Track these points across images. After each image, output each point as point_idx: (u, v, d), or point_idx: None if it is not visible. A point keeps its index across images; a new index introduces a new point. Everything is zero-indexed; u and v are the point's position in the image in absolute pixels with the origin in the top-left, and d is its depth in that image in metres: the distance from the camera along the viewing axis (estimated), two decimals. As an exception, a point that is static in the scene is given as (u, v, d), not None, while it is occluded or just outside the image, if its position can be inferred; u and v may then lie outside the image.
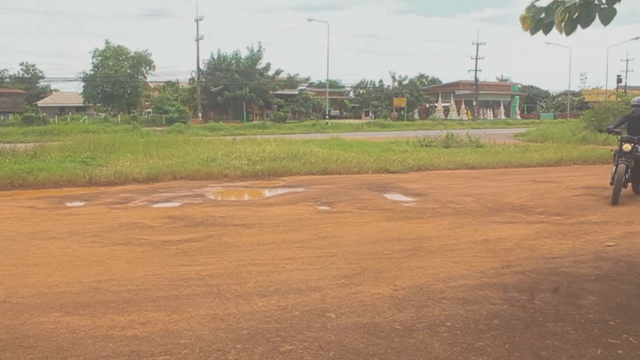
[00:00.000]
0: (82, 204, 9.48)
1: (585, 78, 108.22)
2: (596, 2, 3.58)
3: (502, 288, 4.85)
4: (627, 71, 69.78)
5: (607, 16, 3.54)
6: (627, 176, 9.38)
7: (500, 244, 6.44)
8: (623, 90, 54.90)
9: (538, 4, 3.84)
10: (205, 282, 5.00)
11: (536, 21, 3.88)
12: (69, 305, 4.43)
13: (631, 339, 3.79)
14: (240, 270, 5.39)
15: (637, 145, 9.57)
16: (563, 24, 3.68)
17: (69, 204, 9.38)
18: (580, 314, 4.26)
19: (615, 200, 9.11)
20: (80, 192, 10.74)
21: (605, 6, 3.58)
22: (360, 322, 4.05)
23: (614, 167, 9.43)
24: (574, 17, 3.66)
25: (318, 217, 8.12)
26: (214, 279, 5.11)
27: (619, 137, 9.83)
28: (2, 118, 44.19)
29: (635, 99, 10.48)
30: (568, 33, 3.73)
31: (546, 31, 3.91)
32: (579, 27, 3.73)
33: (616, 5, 3.64)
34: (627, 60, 70.72)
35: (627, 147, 9.46)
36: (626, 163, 9.35)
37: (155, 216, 8.14)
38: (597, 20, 3.64)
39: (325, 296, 4.63)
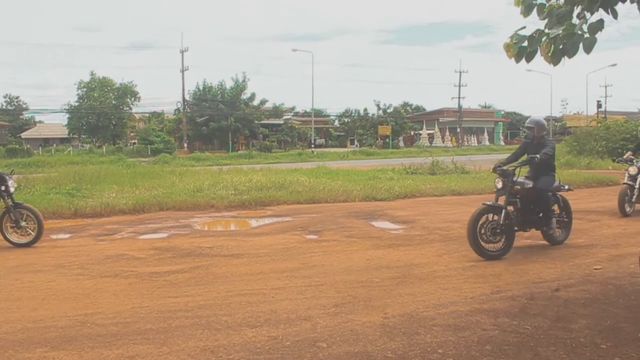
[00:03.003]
0: (67, 236, 9.36)
1: (567, 104, 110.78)
2: (579, 32, 3.68)
3: (492, 313, 4.85)
4: (606, 97, 71.39)
5: (589, 45, 3.65)
6: (507, 220, 6.94)
7: (489, 269, 6.45)
8: (603, 116, 56.00)
9: (521, 33, 3.94)
10: (194, 314, 4.93)
11: (519, 49, 3.97)
12: (54, 340, 4.34)
13: (623, 362, 3.80)
14: (230, 300, 5.33)
15: (516, 179, 7.20)
16: (550, 55, 3.78)
17: (54, 237, 9.25)
18: (572, 337, 4.26)
19: (482, 255, 6.88)
20: (65, 224, 10.61)
21: (588, 35, 3.68)
22: (352, 351, 4.02)
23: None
24: (560, 47, 3.76)
25: (306, 246, 8.10)
26: (203, 310, 5.05)
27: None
28: (-15, 150, 43.82)
29: (529, 119, 7.92)
30: (555, 64, 3.83)
31: (529, 59, 4.01)
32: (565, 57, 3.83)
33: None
34: (605, 86, 72.42)
35: (497, 182, 7.23)
36: (492, 204, 7.04)
37: (142, 247, 8.06)
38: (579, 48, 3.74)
39: (316, 325, 4.59)
